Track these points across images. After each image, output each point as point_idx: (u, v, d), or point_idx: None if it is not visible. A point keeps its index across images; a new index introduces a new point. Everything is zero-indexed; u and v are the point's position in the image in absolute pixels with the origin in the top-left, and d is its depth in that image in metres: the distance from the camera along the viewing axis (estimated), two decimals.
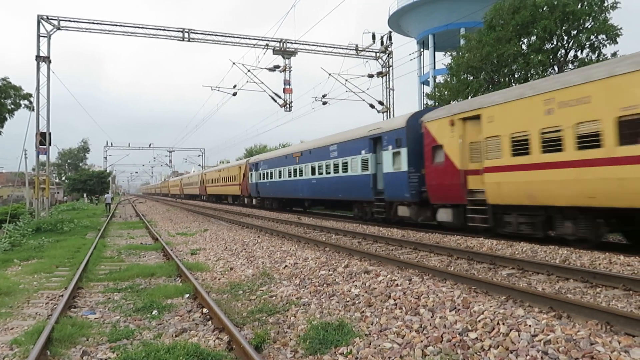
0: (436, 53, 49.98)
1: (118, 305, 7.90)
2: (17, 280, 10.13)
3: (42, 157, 27.41)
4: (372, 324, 6.04)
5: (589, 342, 4.54)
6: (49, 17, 26.25)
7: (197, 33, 28.34)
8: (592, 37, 22.32)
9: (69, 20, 26.62)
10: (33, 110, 27.37)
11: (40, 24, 26.03)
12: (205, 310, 7.31)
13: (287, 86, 29.82)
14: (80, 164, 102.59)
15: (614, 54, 21.86)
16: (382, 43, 30.75)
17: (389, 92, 31.05)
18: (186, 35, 28.12)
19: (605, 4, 22.11)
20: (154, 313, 7.30)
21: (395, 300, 6.78)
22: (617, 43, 22.21)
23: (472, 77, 25.71)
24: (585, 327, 5.29)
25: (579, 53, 23.17)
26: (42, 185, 27.86)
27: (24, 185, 37.31)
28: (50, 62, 26.36)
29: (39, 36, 25.98)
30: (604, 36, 22.20)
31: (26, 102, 34.90)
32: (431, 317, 5.91)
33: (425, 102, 35.09)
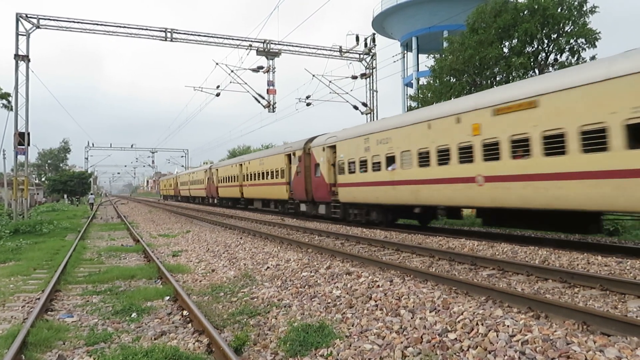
0: (419, 55, 50.36)
1: (96, 308, 7.78)
2: None
3: (21, 158, 26.95)
4: (352, 326, 6.04)
5: (565, 342, 4.60)
6: (28, 15, 25.82)
7: (179, 33, 28.10)
8: (571, 40, 22.71)
9: (49, 19, 26.22)
10: (11, 109, 26.87)
11: (19, 22, 25.60)
12: (185, 312, 7.23)
13: (271, 87, 29.76)
14: (61, 165, 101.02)
15: (593, 58, 22.25)
16: (365, 45, 30.87)
17: (373, 93, 31.17)
18: (169, 35, 27.86)
19: (585, 9, 22.53)
20: (133, 316, 7.20)
21: (376, 302, 6.80)
22: (595, 47, 22.65)
23: (454, 80, 25.96)
24: (562, 327, 5.36)
25: (559, 56, 23.59)
26: (20, 186, 27.36)
27: (2, 186, 36.63)
28: (29, 60, 25.92)
29: (17, 34, 25.54)
30: (583, 40, 22.60)
31: (4, 101, 34.27)
32: (411, 318, 5.94)
33: (408, 104, 35.30)
